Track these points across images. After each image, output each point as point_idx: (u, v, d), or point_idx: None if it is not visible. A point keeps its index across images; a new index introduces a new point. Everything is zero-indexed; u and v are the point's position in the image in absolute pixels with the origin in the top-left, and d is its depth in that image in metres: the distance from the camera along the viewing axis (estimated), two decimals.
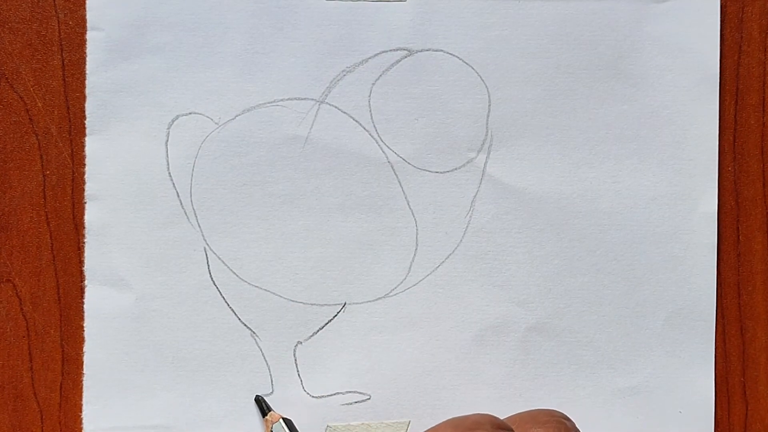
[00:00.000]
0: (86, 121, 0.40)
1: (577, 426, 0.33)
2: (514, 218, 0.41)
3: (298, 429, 0.39)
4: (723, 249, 0.42)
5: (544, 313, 0.41)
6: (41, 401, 0.40)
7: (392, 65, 0.41)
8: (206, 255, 0.40)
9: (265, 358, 0.40)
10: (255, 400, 0.40)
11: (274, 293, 0.41)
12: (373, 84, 0.41)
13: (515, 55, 0.41)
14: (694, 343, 0.41)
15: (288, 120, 0.41)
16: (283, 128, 0.41)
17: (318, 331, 0.41)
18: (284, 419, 0.39)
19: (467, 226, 0.41)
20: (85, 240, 0.40)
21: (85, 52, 0.40)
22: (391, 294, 0.41)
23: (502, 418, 0.33)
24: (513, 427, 0.32)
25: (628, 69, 0.42)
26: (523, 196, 0.41)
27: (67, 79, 0.40)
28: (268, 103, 0.41)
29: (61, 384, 0.40)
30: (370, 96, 0.41)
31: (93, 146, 0.40)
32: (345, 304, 0.41)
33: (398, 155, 0.41)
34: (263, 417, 0.40)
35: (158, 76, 0.40)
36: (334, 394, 0.41)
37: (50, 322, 0.40)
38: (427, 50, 0.41)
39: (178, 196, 0.40)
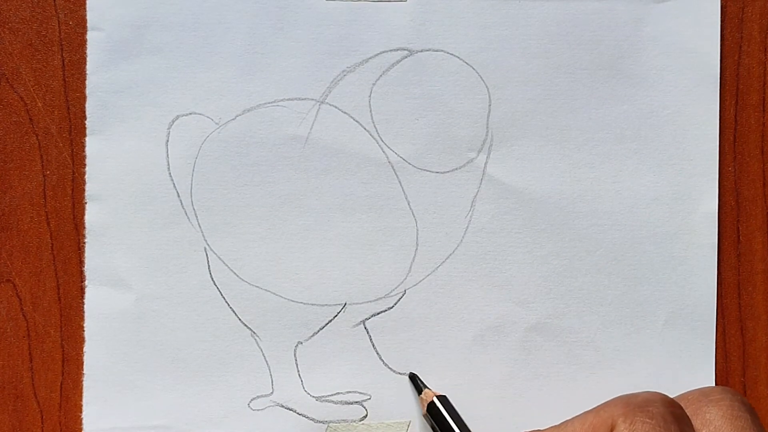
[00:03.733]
0: (86, 121, 0.40)
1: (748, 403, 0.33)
2: (514, 218, 0.41)
3: (453, 405, 0.39)
4: (723, 249, 0.42)
5: (544, 313, 0.41)
6: (41, 401, 0.40)
7: (392, 65, 0.41)
8: (206, 255, 0.40)
9: (265, 358, 0.40)
10: (409, 377, 0.40)
11: (274, 293, 0.41)
12: (374, 84, 0.41)
13: (515, 55, 0.41)
14: (694, 343, 0.41)
15: (288, 120, 0.41)
16: (283, 128, 0.41)
17: (318, 331, 0.41)
18: (439, 397, 0.39)
19: (467, 226, 0.41)
20: (85, 240, 0.40)
21: (85, 52, 0.40)
22: (391, 294, 0.41)
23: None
24: (684, 404, 0.31)
25: (628, 69, 0.41)
26: (523, 196, 0.41)
27: (67, 79, 0.40)
28: (268, 103, 0.41)
29: (61, 384, 0.40)
30: (370, 96, 0.41)
31: (93, 146, 0.40)
32: (345, 304, 0.41)
33: (398, 155, 0.41)
34: (418, 395, 0.40)
35: (158, 76, 0.40)
36: (335, 394, 0.41)
37: (50, 322, 0.40)
38: (427, 50, 0.41)
39: (179, 196, 0.40)
